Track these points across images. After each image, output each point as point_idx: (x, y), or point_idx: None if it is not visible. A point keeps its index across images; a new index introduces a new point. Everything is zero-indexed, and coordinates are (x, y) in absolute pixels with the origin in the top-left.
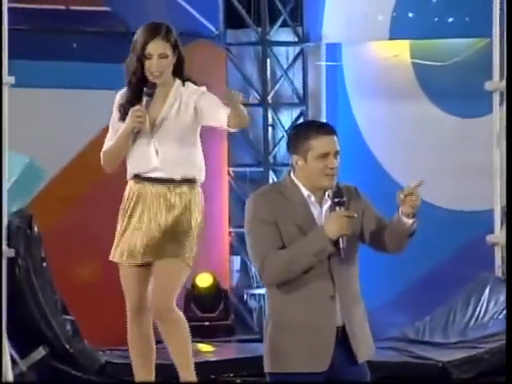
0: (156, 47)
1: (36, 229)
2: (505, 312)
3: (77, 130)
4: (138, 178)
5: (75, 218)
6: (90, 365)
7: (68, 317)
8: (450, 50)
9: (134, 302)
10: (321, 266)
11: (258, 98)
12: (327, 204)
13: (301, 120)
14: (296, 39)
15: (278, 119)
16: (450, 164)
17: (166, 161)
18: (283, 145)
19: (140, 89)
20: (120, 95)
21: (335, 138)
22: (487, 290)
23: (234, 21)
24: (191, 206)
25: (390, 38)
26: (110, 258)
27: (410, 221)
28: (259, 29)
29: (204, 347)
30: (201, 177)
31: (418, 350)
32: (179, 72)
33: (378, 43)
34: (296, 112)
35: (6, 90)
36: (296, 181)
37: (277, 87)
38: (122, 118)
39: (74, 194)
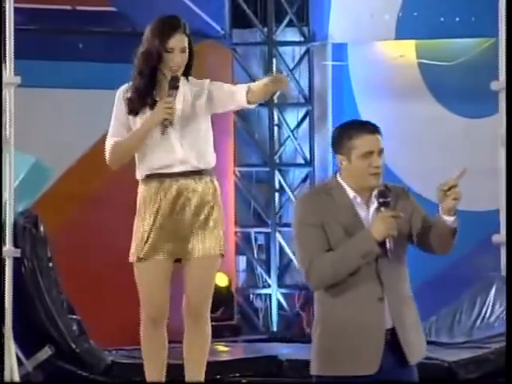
0: (178, 41)
1: (42, 229)
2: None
3: (83, 130)
4: (157, 175)
5: (81, 218)
6: (96, 364)
7: (74, 317)
8: (455, 49)
9: (155, 303)
10: (368, 267)
11: None
12: (374, 205)
13: (307, 120)
14: (302, 39)
15: (284, 119)
16: (456, 164)
17: (190, 153)
18: (289, 144)
19: (150, 81)
20: (124, 89)
21: (378, 136)
22: (493, 290)
23: (240, 21)
24: (216, 194)
25: (396, 38)
26: (132, 259)
27: (452, 218)
28: (265, 29)
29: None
30: (214, 162)
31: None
32: (188, 67)
33: (384, 43)
34: (302, 112)
35: (12, 90)
36: (342, 182)
37: None
38: (132, 111)
39: (80, 193)
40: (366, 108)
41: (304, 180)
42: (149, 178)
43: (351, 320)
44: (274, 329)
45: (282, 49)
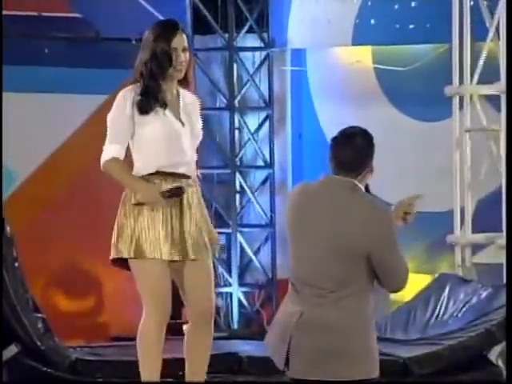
0: (180, 41)
1: (8, 229)
2: (464, 310)
3: (48, 133)
4: (158, 173)
5: (47, 219)
6: (60, 362)
7: (39, 315)
8: (411, 55)
9: (160, 302)
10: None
11: (225, 102)
12: None
13: (267, 123)
14: (262, 45)
15: (245, 122)
16: (412, 166)
17: (189, 158)
18: (249, 147)
19: (161, 81)
20: (130, 93)
21: None
22: (447, 289)
23: (201, 27)
24: (202, 199)
25: (353, 44)
26: (129, 258)
27: None
28: (226, 35)
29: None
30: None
31: (380, 347)
32: (184, 76)
33: (341, 49)
34: (262, 115)
35: None
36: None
37: (243, 91)
38: (143, 110)
39: (44, 195)
40: (324, 112)
41: (264, 182)
42: (151, 175)
43: (374, 333)
44: (235, 326)
45: (242, 54)
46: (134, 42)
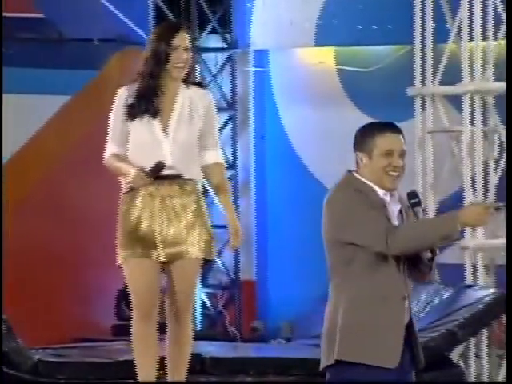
0: (182, 39)
1: None
2: (426, 310)
3: (11, 134)
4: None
5: (11, 220)
6: (22, 363)
7: (1, 316)
8: (373, 56)
9: (144, 300)
10: (398, 268)
11: None
12: (395, 205)
13: (230, 124)
14: (225, 45)
15: None
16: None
17: (179, 163)
18: None
19: (157, 85)
20: (125, 94)
21: (401, 137)
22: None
23: None
24: (199, 200)
25: (316, 45)
26: (119, 261)
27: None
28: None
29: None
30: (201, 177)
31: None
32: (188, 76)
33: (304, 50)
34: (225, 117)
35: None
36: (364, 180)
37: None
38: (131, 116)
39: (8, 197)
40: (287, 113)
41: None
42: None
43: (378, 315)
44: (198, 327)
45: (205, 55)
46: (96, 42)
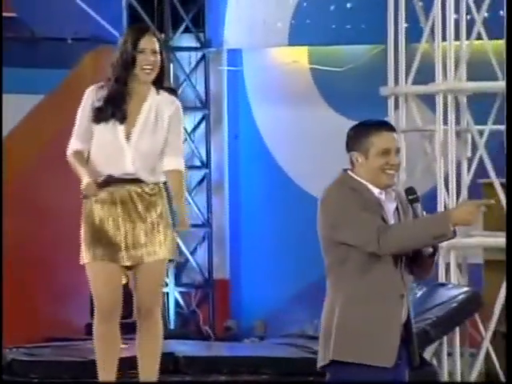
0: (149, 42)
1: None
2: None
3: None
4: (109, 180)
5: None
6: None
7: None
8: (346, 56)
9: (106, 302)
10: (395, 265)
11: None
12: (391, 203)
13: (203, 123)
14: (198, 45)
15: None
16: (348, 166)
17: (140, 169)
18: (186, 147)
19: (124, 90)
20: (93, 93)
21: (395, 135)
22: None
23: None
24: (164, 201)
25: (289, 45)
26: (83, 262)
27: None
28: (162, 34)
29: None
30: (164, 179)
31: (317, 346)
32: (158, 80)
33: (277, 49)
34: (198, 116)
35: None
36: (359, 178)
37: (180, 91)
38: (96, 120)
39: None
40: (261, 112)
41: (200, 182)
42: (101, 181)
43: (374, 313)
44: (171, 326)
45: (178, 54)
46: (69, 41)
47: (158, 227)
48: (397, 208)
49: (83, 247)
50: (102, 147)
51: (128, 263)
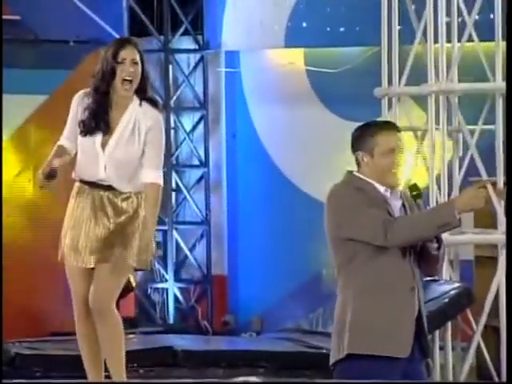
0: (129, 53)
1: None
2: None
3: None
4: (85, 181)
5: None
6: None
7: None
8: (341, 57)
9: (79, 301)
10: (403, 258)
11: (161, 102)
12: (396, 200)
13: (201, 123)
14: (197, 47)
15: (180, 122)
16: (343, 165)
17: (113, 178)
18: (185, 147)
19: (105, 100)
20: (81, 99)
21: (399, 134)
22: None
23: (137, 29)
24: (139, 209)
25: (286, 46)
26: (58, 259)
27: (434, 245)
28: (162, 37)
29: None
30: (140, 187)
31: (312, 340)
32: (140, 91)
33: (274, 51)
34: (197, 116)
35: None
36: (365, 178)
37: (179, 92)
38: (83, 132)
39: None
40: (258, 112)
41: (199, 180)
42: (80, 182)
43: (386, 306)
44: (171, 321)
45: (177, 56)
46: (71, 43)
47: (126, 231)
48: (403, 205)
49: (60, 243)
50: (82, 154)
51: (91, 265)
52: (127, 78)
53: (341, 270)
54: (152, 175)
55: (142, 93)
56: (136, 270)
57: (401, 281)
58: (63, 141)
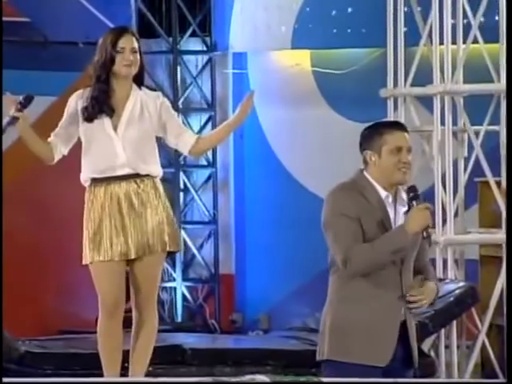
0: (128, 41)
1: None
2: None
3: None
4: (102, 179)
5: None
6: (9, 354)
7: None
8: (348, 59)
9: (111, 298)
10: (394, 267)
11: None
12: (402, 206)
13: (209, 124)
14: (204, 48)
15: (188, 123)
16: (349, 166)
17: (132, 158)
18: None
19: (107, 87)
20: (76, 99)
21: (407, 134)
22: None
23: (146, 31)
24: (158, 195)
25: (292, 48)
26: (85, 262)
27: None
28: (170, 38)
29: None
30: (160, 173)
31: (313, 338)
32: (138, 78)
33: (280, 53)
34: (205, 117)
35: None
36: (372, 180)
37: (187, 93)
38: (88, 118)
39: None
40: (265, 113)
41: (207, 180)
42: (95, 181)
43: (367, 314)
44: (179, 319)
45: (185, 57)
46: (80, 45)
47: (155, 221)
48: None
49: (84, 246)
50: (92, 143)
51: (129, 257)
52: (127, 63)
53: (330, 272)
54: (191, 134)
55: (140, 80)
56: (168, 254)
57: (387, 290)
58: (51, 137)
